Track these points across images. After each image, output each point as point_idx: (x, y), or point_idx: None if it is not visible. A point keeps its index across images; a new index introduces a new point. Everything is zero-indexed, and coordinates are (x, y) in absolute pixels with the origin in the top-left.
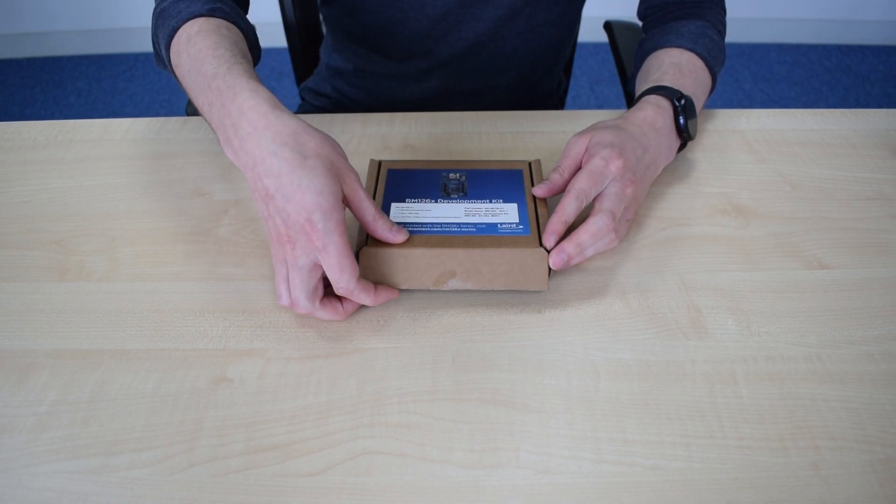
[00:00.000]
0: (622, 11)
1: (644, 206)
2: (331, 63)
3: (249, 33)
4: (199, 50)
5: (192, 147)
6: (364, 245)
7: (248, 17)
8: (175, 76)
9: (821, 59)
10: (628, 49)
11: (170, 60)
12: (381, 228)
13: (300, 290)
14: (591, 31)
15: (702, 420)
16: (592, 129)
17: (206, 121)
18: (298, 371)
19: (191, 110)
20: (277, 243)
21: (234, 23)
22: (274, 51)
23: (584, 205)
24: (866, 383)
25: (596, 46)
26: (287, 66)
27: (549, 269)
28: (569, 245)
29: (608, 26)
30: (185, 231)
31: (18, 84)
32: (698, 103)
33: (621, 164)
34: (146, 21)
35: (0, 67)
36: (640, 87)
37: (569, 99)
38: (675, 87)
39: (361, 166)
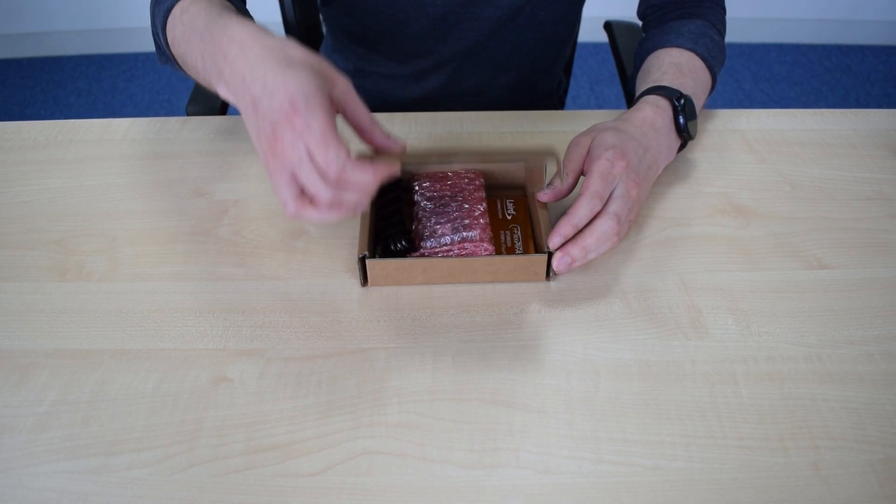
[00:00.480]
0: (622, 11)
1: (644, 206)
2: (331, 63)
3: (243, 9)
4: (192, 16)
5: (192, 147)
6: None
7: None
8: (174, 60)
9: (821, 59)
10: (628, 49)
11: (167, 44)
12: (378, 135)
13: (312, 181)
14: (591, 31)
15: (702, 420)
16: (593, 130)
17: (203, 80)
18: (298, 371)
19: (191, 110)
20: (270, 152)
21: None
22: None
23: (597, 208)
24: (866, 383)
25: (596, 46)
26: None
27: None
28: (573, 248)
29: (608, 26)
30: (185, 231)
31: (18, 84)
32: (698, 103)
33: (624, 164)
34: (146, 21)
35: (0, 67)
36: (640, 86)
37: (569, 99)
38: (675, 87)
39: None
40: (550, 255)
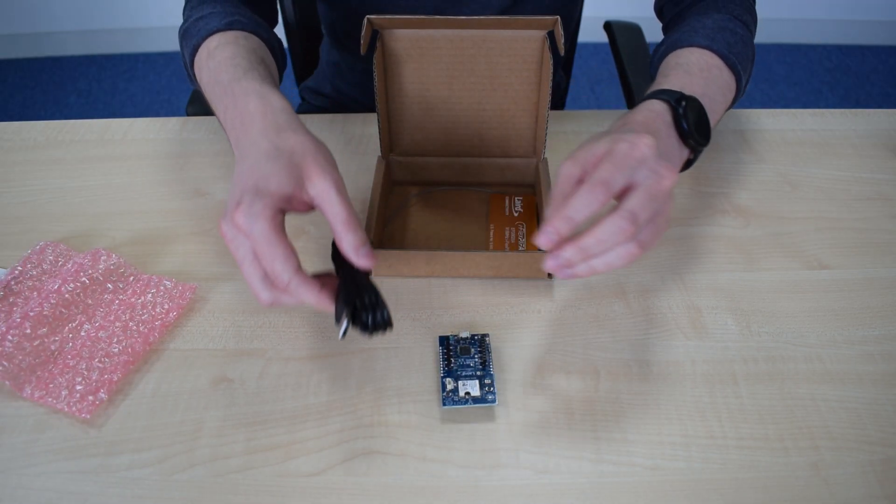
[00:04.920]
0: (622, 11)
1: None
2: (330, 62)
3: (270, 39)
4: (218, 63)
5: (192, 147)
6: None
7: None
8: (203, 93)
9: (821, 59)
10: (628, 49)
11: (195, 78)
12: (347, 242)
13: (253, 281)
14: (591, 31)
15: (702, 420)
16: (580, 148)
17: (223, 129)
18: (298, 371)
19: (191, 110)
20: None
21: (252, 32)
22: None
23: (602, 198)
24: (866, 383)
25: (596, 46)
26: (287, 66)
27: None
28: (569, 249)
29: (608, 26)
30: (185, 231)
31: (18, 84)
32: (713, 104)
33: (651, 143)
34: (147, 21)
35: (0, 67)
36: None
37: (569, 99)
38: (676, 90)
39: (362, 166)
40: None
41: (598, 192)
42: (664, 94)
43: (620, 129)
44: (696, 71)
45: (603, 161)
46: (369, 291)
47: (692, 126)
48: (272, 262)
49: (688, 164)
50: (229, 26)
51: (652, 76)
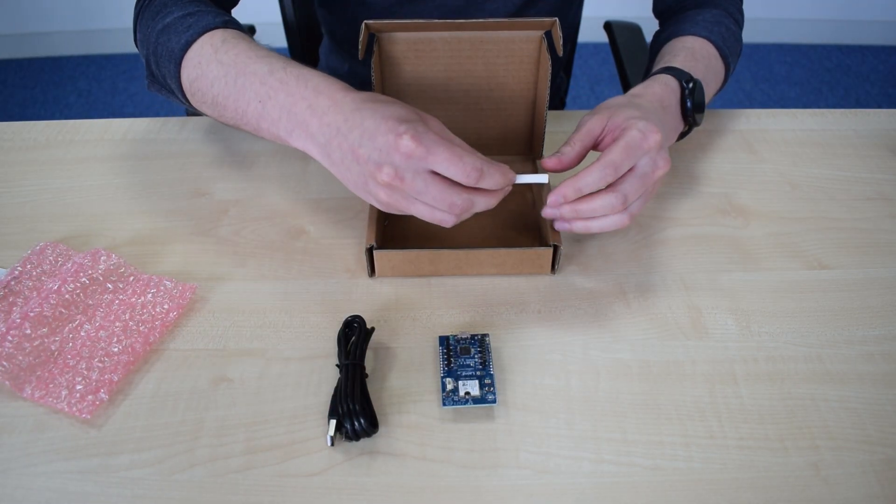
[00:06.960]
0: (622, 11)
1: (645, 206)
2: (329, 64)
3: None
4: (237, 55)
5: (192, 147)
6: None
7: (248, 16)
8: (181, 90)
9: (821, 59)
10: (628, 49)
11: (180, 75)
12: (488, 184)
13: (441, 199)
14: (591, 31)
15: (702, 420)
16: (606, 106)
17: (246, 123)
18: (298, 371)
19: (191, 111)
20: (385, 191)
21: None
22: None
23: (610, 179)
24: (866, 383)
25: (596, 46)
26: None
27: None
28: (565, 207)
29: (608, 26)
30: (185, 231)
31: (18, 84)
32: (708, 90)
33: (659, 139)
34: None
35: (0, 67)
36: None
37: (569, 99)
38: (686, 70)
39: None
40: (556, 248)
41: (608, 173)
42: (675, 72)
43: (638, 100)
44: (699, 57)
45: (616, 144)
46: (355, 398)
47: (695, 105)
48: (461, 160)
49: (681, 136)
50: (225, 25)
51: (651, 57)
